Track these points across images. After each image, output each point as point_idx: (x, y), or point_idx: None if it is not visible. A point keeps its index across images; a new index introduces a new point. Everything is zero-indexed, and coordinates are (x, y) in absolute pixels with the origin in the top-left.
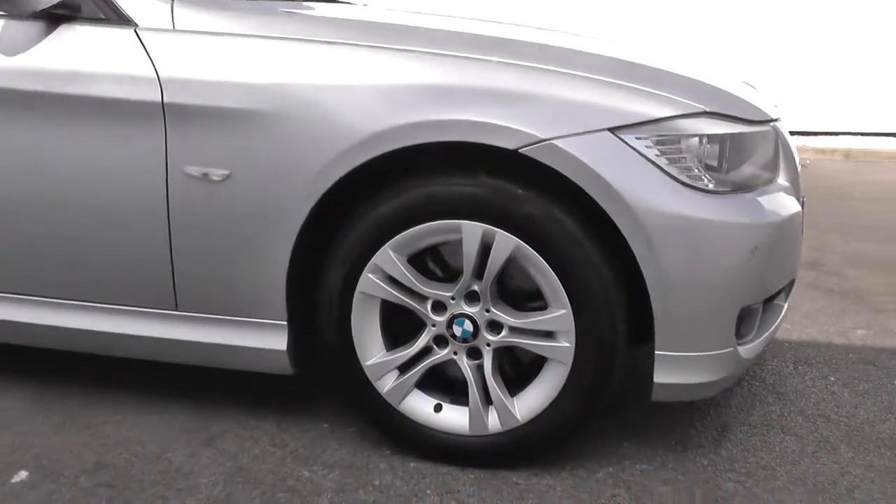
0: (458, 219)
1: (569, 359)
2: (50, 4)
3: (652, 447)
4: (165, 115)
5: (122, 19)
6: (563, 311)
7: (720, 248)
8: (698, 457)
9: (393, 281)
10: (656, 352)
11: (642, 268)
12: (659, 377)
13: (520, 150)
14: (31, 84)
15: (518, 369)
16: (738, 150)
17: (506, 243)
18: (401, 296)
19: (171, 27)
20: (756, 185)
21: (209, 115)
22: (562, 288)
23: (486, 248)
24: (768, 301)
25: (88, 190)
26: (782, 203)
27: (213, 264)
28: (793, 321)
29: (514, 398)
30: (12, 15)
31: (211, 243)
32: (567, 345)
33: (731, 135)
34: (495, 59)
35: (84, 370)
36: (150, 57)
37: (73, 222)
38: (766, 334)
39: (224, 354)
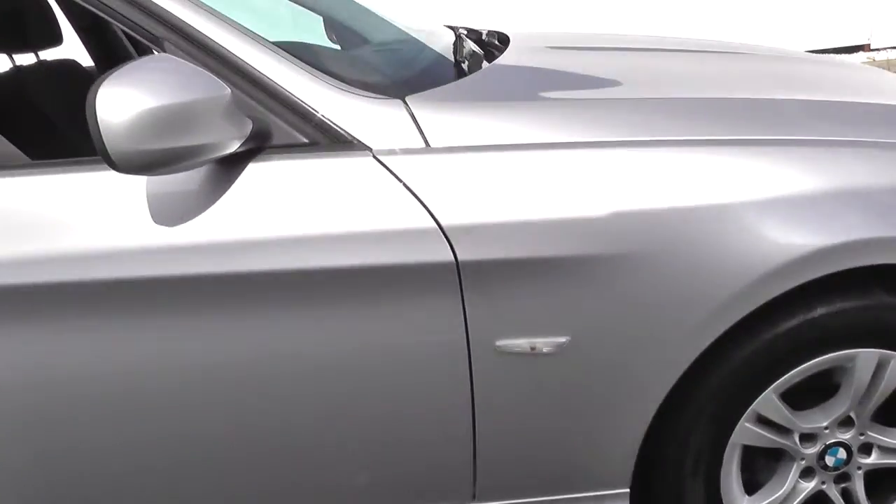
0: (852, 347)
1: None
2: (241, 136)
3: None
4: (461, 278)
5: (340, 142)
6: None
7: None
8: None
9: (765, 422)
10: None
11: None
12: None
13: None
14: (226, 263)
15: None
16: None
17: None
18: (776, 438)
19: (424, 145)
20: None
21: (527, 270)
22: None
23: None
24: None
25: (334, 391)
26: None
27: (531, 444)
28: None
29: None
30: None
31: (530, 424)
32: None
33: None
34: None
35: None
36: (416, 196)
37: (321, 432)
38: None
39: None
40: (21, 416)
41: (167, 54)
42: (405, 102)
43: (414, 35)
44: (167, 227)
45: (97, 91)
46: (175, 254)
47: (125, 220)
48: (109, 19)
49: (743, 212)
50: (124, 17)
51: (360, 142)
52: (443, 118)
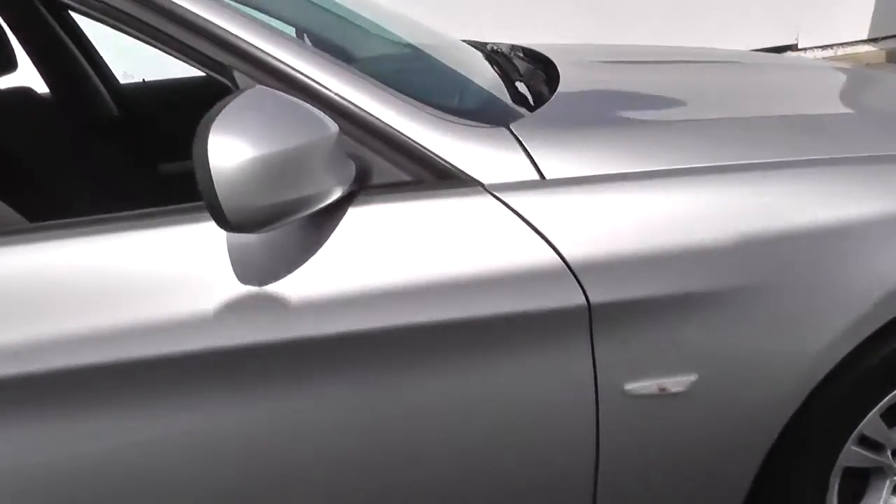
0: None
1: None
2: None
3: None
4: (592, 321)
5: (447, 178)
6: None
7: None
8: None
9: (864, 442)
10: None
11: None
12: None
13: None
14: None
15: None
16: None
17: None
18: (874, 456)
19: (539, 177)
20: None
21: (657, 308)
22: None
23: None
24: None
25: (451, 444)
26: None
27: (653, 482)
28: None
29: None
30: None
31: (654, 463)
32: None
33: None
34: None
35: None
36: (541, 235)
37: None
38: None
39: None
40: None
41: (263, 87)
42: (511, 131)
43: (436, 52)
44: (257, 288)
45: (207, 138)
46: (274, 316)
47: (209, 283)
48: (176, 54)
49: (864, 231)
50: (196, 50)
51: (469, 176)
52: (553, 146)
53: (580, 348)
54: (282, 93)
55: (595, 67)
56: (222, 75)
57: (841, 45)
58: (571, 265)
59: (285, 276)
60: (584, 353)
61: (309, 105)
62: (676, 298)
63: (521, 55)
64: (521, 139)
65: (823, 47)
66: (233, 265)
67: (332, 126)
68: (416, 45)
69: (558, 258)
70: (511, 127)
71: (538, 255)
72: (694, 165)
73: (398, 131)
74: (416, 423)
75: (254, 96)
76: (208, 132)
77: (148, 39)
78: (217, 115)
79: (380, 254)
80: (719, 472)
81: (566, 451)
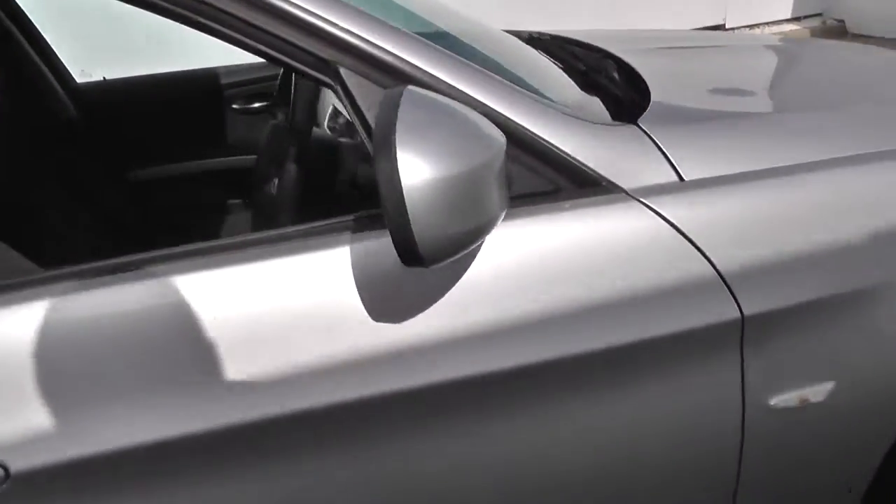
0: None
1: None
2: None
3: None
4: (743, 335)
5: (587, 185)
6: None
7: None
8: None
9: None
10: None
11: None
12: None
13: None
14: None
15: None
16: None
17: None
18: None
19: (678, 179)
20: None
21: (803, 315)
22: None
23: None
24: None
25: (601, 470)
26: None
27: (785, 488)
28: None
29: None
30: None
31: (790, 475)
32: None
33: None
34: None
35: None
36: (693, 244)
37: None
38: None
39: None
40: None
41: (414, 88)
42: (642, 128)
43: (513, 44)
44: (393, 325)
45: (395, 155)
46: (414, 359)
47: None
48: (272, 53)
49: None
50: (298, 46)
51: (609, 181)
52: (685, 144)
53: (730, 365)
54: (435, 94)
55: (659, 55)
56: (325, 75)
57: (767, 24)
58: (724, 275)
59: (437, 310)
60: (733, 371)
61: (472, 111)
62: (826, 302)
63: (566, 44)
64: (654, 137)
65: (750, 26)
66: (366, 301)
67: (501, 137)
68: (488, 39)
69: (711, 268)
70: (640, 123)
71: (691, 267)
72: (828, 157)
73: (536, 135)
74: (571, 450)
75: (414, 100)
76: (393, 147)
77: (255, 45)
78: (393, 125)
79: (532, 275)
80: (849, 469)
81: (711, 468)
